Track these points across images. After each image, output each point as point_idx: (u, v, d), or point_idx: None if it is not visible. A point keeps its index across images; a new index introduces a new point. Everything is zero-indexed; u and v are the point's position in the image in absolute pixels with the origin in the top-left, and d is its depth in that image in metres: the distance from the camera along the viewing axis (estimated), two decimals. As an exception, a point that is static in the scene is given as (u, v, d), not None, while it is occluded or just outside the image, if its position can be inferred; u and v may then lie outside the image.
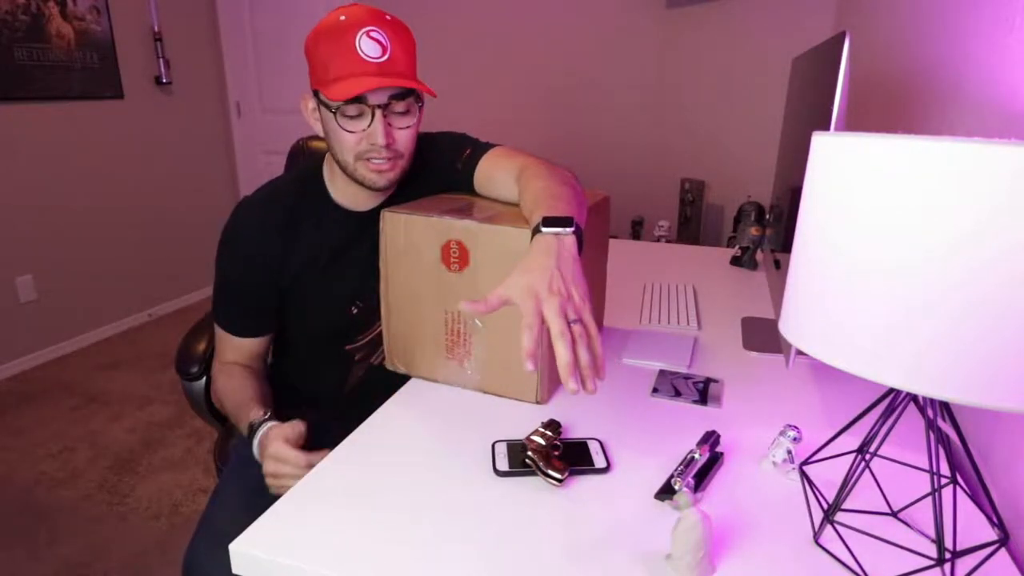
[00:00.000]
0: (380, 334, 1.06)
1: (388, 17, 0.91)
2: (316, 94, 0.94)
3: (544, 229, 0.78)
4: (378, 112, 0.90)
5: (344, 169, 0.96)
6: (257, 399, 0.98)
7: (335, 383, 1.10)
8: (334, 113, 0.90)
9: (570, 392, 0.66)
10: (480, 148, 1.07)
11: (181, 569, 0.93)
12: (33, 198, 2.73)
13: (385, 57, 0.89)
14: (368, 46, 0.88)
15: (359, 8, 0.91)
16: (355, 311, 1.04)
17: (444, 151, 1.08)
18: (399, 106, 0.92)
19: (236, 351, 1.07)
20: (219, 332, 1.07)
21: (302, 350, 1.12)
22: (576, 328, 0.68)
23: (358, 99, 0.89)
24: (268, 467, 0.85)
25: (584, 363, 0.67)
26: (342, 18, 0.89)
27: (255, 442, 0.91)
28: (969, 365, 0.47)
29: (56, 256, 2.85)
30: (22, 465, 2.07)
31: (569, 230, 0.78)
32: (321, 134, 0.98)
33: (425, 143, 1.09)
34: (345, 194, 1.02)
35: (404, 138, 0.95)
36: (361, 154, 0.93)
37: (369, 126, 0.91)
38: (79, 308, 2.97)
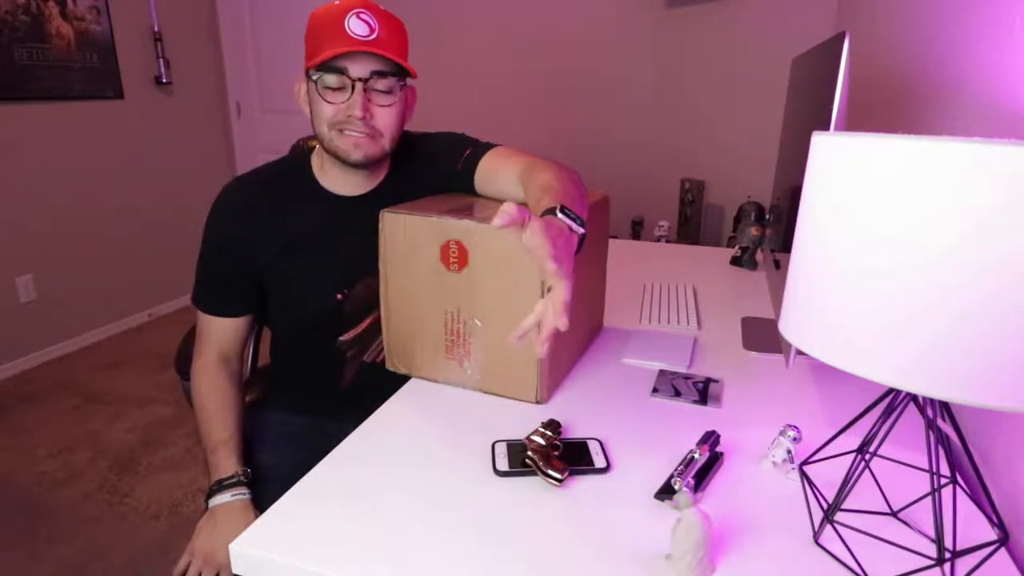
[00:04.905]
0: (371, 329, 1.06)
1: (381, 8, 0.95)
2: (307, 75, 0.96)
3: (559, 215, 0.76)
4: (358, 85, 0.93)
5: (323, 142, 0.99)
6: (233, 437, 0.98)
7: (329, 381, 1.09)
8: (315, 83, 0.93)
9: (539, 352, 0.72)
10: (481, 148, 1.08)
11: None
12: (33, 198, 2.73)
13: (372, 36, 0.92)
14: (356, 25, 0.92)
15: None
16: (340, 299, 1.04)
17: (442, 150, 1.08)
18: (381, 84, 0.95)
19: (215, 335, 1.06)
20: (199, 318, 1.07)
21: (293, 343, 1.12)
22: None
23: (339, 71, 0.92)
24: (194, 556, 0.90)
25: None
26: (336, 2, 0.93)
27: (210, 503, 0.92)
28: (969, 365, 0.47)
29: (56, 256, 2.85)
30: (22, 465, 2.06)
31: (581, 231, 0.78)
32: (309, 117, 1.00)
33: (421, 139, 1.10)
34: (332, 179, 1.04)
35: (384, 116, 0.97)
36: (336, 123, 0.95)
37: (348, 98, 0.94)
38: (79, 308, 2.97)
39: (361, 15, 0.92)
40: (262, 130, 3.61)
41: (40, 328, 2.80)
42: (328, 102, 0.94)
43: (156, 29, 3.15)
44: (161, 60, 3.18)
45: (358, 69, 0.92)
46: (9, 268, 2.67)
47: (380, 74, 0.94)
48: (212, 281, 1.06)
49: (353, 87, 0.93)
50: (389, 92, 0.96)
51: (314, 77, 0.93)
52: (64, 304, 2.90)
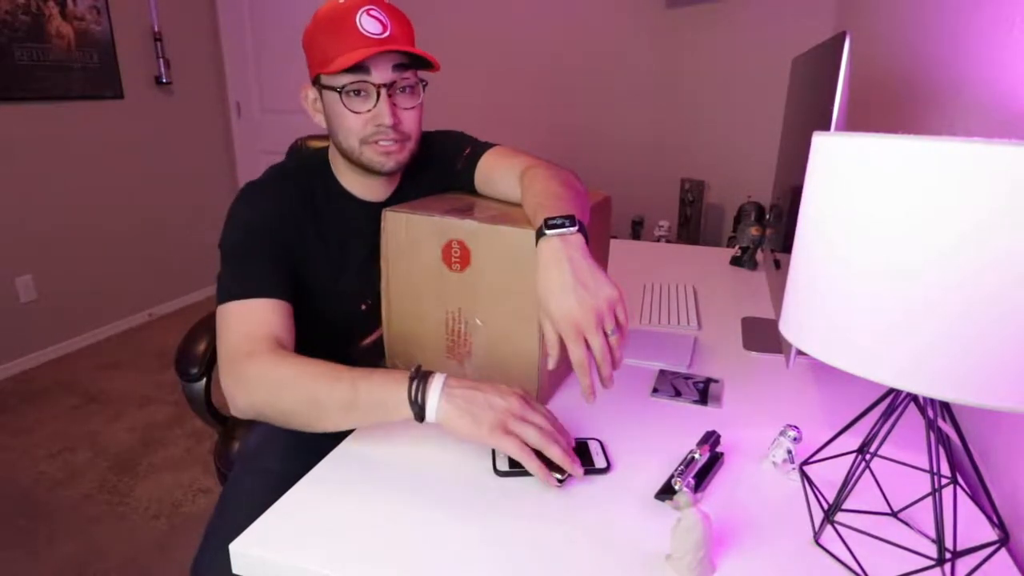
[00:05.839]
0: (378, 340, 1.05)
1: (385, 1, 0.92)
2: (317, 80, 0.93)
3: (547, 232, 0.78)
4: (383, 91, 0.89)
5: (349, 155, 0.95)
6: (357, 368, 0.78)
7: None
8: (339, 92, 0.89)
9: (587, 402, 0.78)
10: (479, 147, 1.07)
11: None
12: (33, 198, 2.73)
13: (386, 33, 0.89)
14: (369, 23, 0.88)
15: None
16: (365, 309, 1.03)
17: (444, 149, 1.08)
18: (403, 82, 0.92)
19: (260, 325, 0.84)
20: (230, 320, 0.85)
21: (307, 349, 1.09)
22: (613, 340, 0.76)
23: (362, 71, 0.88)
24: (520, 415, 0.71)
25: (605, 376, 0.76)
26: (340, 1, 0.89)
27: (437, 390, 0.72)
28: (969, 365, 0.47)
29: (56, 256, 2.84)
30: (22, 465, 2.06)
31: (573, 229, 0.78)
32: (322, 125, 0.97)
33: (426, 139, 1.09)
34: (353, 183, 1.01)
35: (409, 119, 0.94)
36: (367, 137, 0.92)
37: (374, 106, 0.90)
38: (79, 308, 2.97)
39: (371, 12, 0.88)
40: (262, 130, 3.61)
41: (40, 328, 2.80)
42: (354, 112, 0.90)
43: (156, 29, 3.15)
44: (161, 60, 3.17)
45: (380, 74, 0.89)
46: (9, 268, 2.67)
47: (401, 68, 0.90)
48: (251, 265, 0.89)
49: (378, 94, 0.90)
50: (412, 94, 0.94)
51: (337, 86, 0.89)
52: (64, 304, 2.89)
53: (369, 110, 0.91)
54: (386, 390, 0.74)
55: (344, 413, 0.76)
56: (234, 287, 0.87)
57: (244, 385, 0.80)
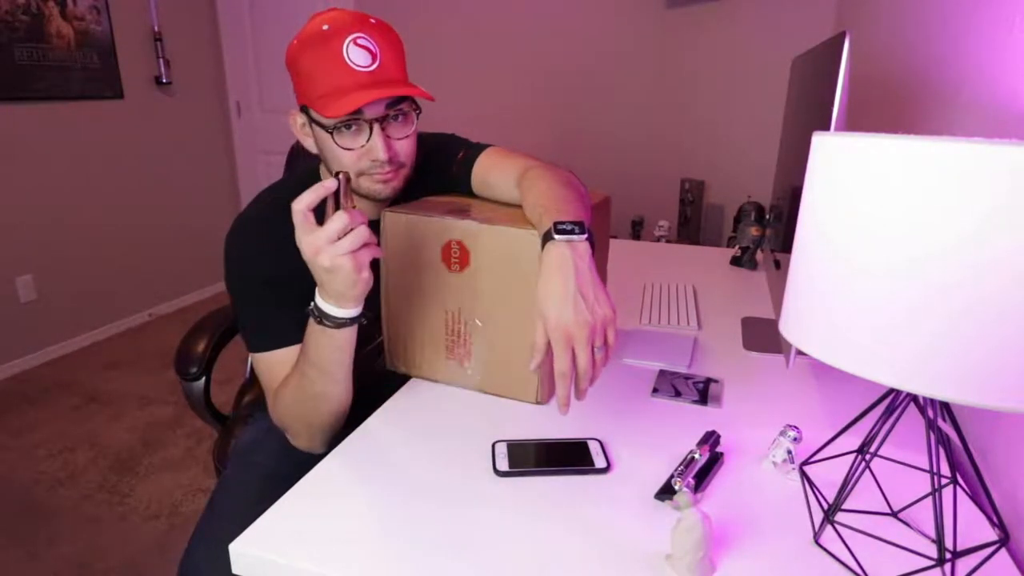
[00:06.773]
0: (378, 346, 1.05)
1: (372, 20, 0.87)
2: (305, 110, 0.89)
3: (557, 236, 0.77)
4: (376, 126, 0.86)
5: None
6: None
7: None
8: (330, 132, 0.86)
9: (560, 412, 0.76)
10: (474, 150, 1.06)
11: None
12: (33, 198, 2.73)
13: (375, 65, 0.84)
14: (357, 55, 0.83)
15: (340, 13, 0.86)
16: (364, 323, 1.03)
17: (439, 153, 1.07)
18: (396, 114, 0.88)
19: (283, 376, 0.92)
20: (265, 367, 0.93)
21: None
22: (598, 356, 0.75)
23: (354, 115, 0.84)
24: (319, 261, 0.75)
25: (581, 390, 0.75)
26: (325, 27, 0.84)
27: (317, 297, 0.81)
28: (969, 365, 0.47)
29: (56, 256, 2.85)
30: (22, 465, 2.06)
31: (582, 237, 0.78)
32: (313, 150, 0.94)
33: (417, 144, 1.08)
34: None
35: (404, 148, 0.91)
36: (362, 171, 0.89)
37: (368, 141, 0.87)
38: (79, 308, 2.97)
39: (359, 40, 0.83)
40: (262, 130, 3.62)
41: (40, 328, 2.80)
42: (347, 149, 0.87)
43: (156, 29, 3.15)
44: (161, 60, 3.18)
45: (372, 109, 0.85)
46: (9, 268, 2.67)
47: (394, 105, 0.87)
48: (260, 315, 0.93)
49: (371, 128, 0.86)
50: (406, 122, 0.90)
51: (328, 126, 0.85)
52: (64, 304, 2.90)
53: (362, 145, 0.87)
54: (311, 334, 0.83)
55: (325, 378, 0.85)
56: (253, 339, 0.95)
57: (286, 432, 0.95)
